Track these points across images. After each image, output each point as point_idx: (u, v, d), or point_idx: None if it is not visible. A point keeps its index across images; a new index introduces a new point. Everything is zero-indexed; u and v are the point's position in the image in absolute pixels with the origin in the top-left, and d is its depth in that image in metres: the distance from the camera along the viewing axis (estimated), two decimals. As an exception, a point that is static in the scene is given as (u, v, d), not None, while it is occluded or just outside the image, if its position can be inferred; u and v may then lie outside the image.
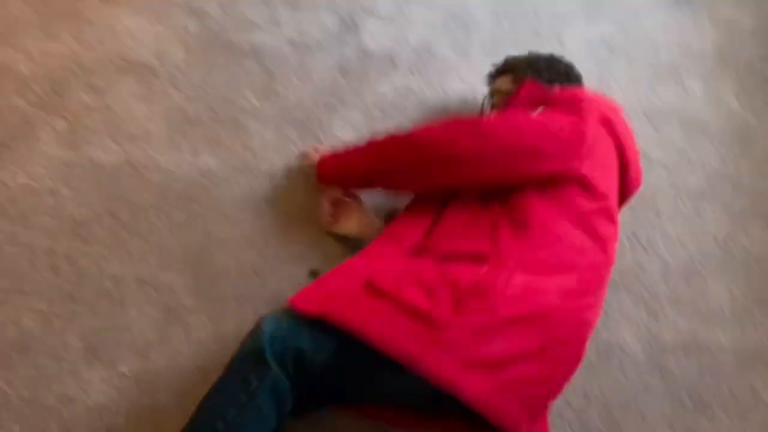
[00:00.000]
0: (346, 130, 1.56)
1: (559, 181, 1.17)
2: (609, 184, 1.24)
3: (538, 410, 1.10)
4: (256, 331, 1.10)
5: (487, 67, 1.62)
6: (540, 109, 1.24)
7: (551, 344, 1.06)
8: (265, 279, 1.40)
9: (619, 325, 1.55)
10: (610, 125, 1.25)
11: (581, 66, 1.67)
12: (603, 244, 1.18)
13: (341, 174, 1.38)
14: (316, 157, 1.45)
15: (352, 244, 1.45)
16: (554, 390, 1.13)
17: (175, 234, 1.41)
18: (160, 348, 1.32)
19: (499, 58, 1.64)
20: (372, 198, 1.47)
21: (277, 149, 1.52)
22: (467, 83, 1.65)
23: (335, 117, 1.57)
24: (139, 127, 1.50)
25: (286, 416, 1.08)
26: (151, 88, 1.54)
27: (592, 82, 1.59)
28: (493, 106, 1.46)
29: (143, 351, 1.31)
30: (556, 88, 1.34)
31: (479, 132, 1.19)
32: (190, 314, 1.35)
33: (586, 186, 1.17)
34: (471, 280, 1.05)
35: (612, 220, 1.22)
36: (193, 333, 1.34)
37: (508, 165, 1.18)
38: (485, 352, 1.00)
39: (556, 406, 1.41)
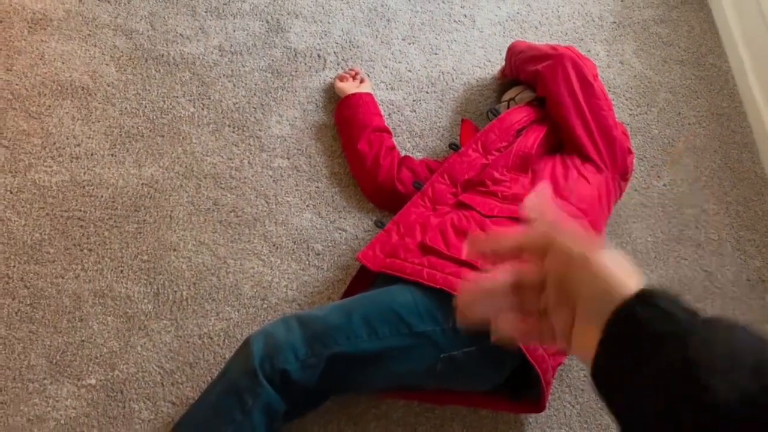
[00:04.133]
0: (284, 126, 1.48)
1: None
2: None
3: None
4: (246, 351, 1.02)
5: (407, 50, 1.59)
6: None
7: None
8: (220, 276, 1.32)
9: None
10: None
11: (496, 42, 1.65)
12: None
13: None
14: (350, 89, 1.46)
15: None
16: None
17: (127, 244, 1.31)
18: (126, 356, 1.22)
19: (419, 44, 1.62)
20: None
21: (218, 151, 1.44)
22: (392, 70, 1.60)
23: (271, 115, 1.47)
24: (80, 146, 1.39)
25: (279, 426, 1.06)
26: (89, 107, 1.43)
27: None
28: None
29: (109, 361, 1.21)
30: None
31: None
32: (150, 320, 1.25)
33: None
34: None
35: None
36: (156, 337, 1.24)
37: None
38: None
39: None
